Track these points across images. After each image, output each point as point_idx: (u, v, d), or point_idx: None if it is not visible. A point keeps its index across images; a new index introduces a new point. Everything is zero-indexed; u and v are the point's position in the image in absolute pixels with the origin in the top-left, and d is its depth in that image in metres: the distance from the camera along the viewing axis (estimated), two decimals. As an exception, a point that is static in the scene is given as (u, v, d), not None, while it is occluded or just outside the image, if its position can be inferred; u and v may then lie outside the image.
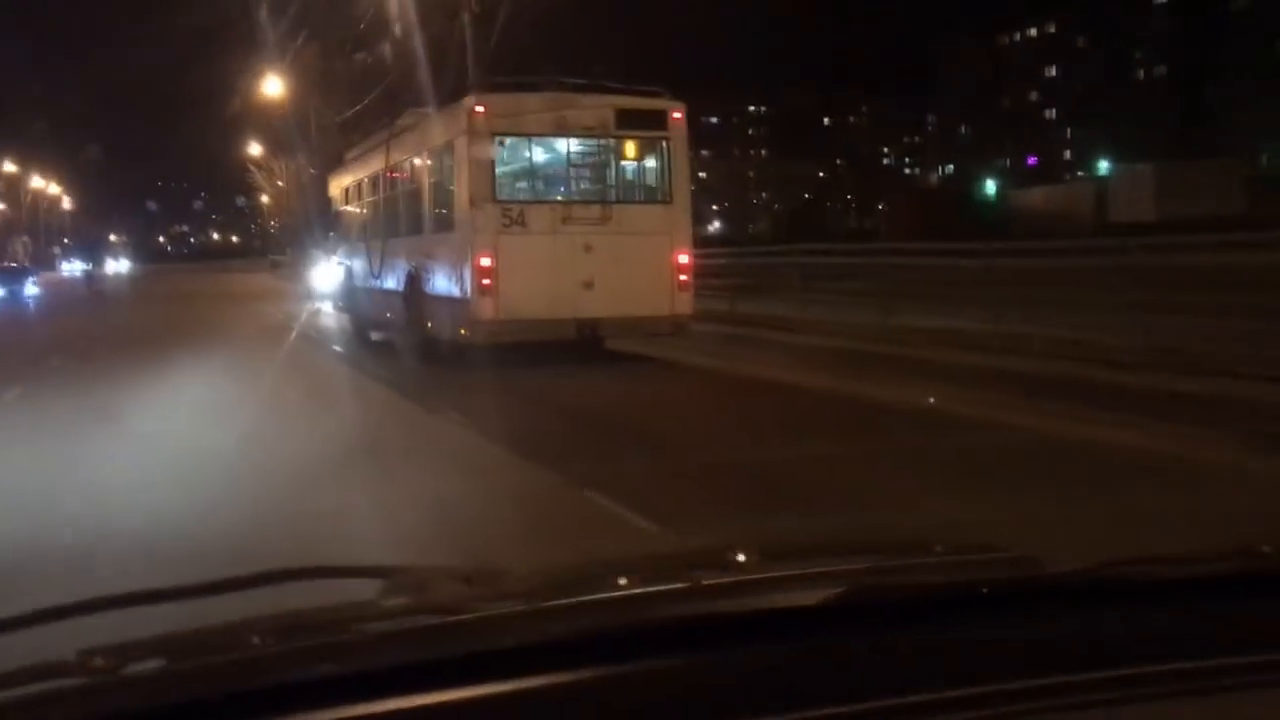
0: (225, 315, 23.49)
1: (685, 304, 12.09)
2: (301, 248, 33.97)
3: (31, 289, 40.63)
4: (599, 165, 12.14)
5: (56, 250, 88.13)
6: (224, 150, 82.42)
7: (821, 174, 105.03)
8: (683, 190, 12.19)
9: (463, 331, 11.76)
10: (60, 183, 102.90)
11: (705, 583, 1.25)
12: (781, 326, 14.98)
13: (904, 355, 11.70)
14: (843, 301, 15.76)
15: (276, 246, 67.17)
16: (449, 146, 12.13)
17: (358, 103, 23.55)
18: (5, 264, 49.66)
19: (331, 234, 19.80)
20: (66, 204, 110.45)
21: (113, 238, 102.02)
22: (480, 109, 11.39)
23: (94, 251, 60.71)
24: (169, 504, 5.50)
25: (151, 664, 1.05)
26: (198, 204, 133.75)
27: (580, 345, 12.09)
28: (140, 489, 6.04)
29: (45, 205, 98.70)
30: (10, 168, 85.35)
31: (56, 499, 5.81)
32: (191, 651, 1.11)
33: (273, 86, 32.54)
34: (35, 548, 4.71)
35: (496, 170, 11.61)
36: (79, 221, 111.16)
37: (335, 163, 22.51)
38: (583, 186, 12.20)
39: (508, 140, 11.82)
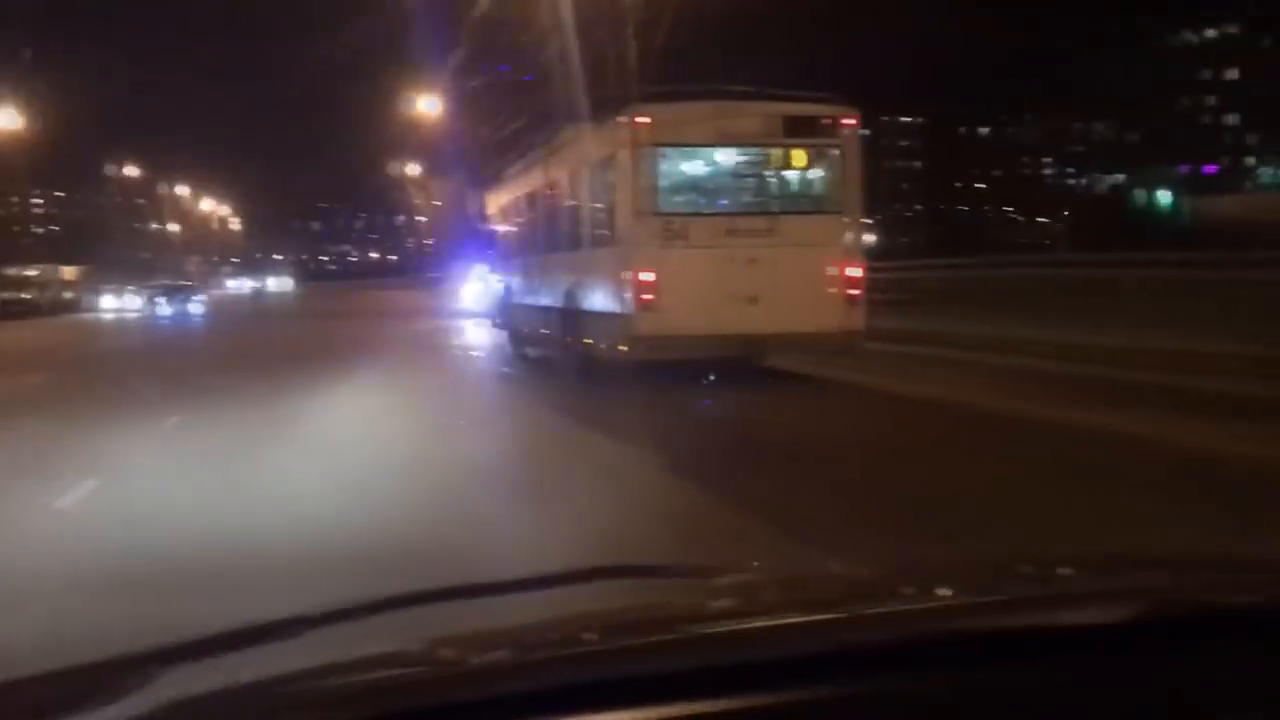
0: (383, 332, 23.95)
1: (856, 319, 11.50)
2: (455, 265, 34.60)
3: (197, 307, 41.22)
4: (765, 175, 11.69)
5: (226, 269, 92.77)
6: (383, 171, 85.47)
7: (979, 184, 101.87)
8: (855, 200, 11.61)
9: (622, 348, 11.45)
10: (229, 205, 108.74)
11: (1003, 598, 1.26)
12: (956, 343, 14.19)
13: (1113, 377, 10.79)
14: (1016, 316, 14.88)
15: (432, 264, 69.14)
16: (609, 159, 11.87)
17: (513, 120, 23.70)
18: (172, 281, 50.51)
19: (488, 251, 19.92)
20: (235, 225, 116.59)
21: (277, 257, 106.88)
22: (643, 120, 11.09)
23: (259, 270, 63.34)
24: (345, 513, 5.75)
25: (498, 655, 1.12)
26: (358, 223, 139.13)
27: (740, 362, 11.73)
28: (315, 498, 6.28)
29: (215, 226, 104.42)
30: (183, 191, 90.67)
31: (247, 508, 6.06)
32: (531, 645, 1.15)
33: (430, 106, 33.26)
34: (224, 553, 4.90)
35: (658, 183, 11.28)
36: (246, 241, 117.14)
37: (490, 180, 22.72)
38: (748, 198, 11.76)
39: (670, 151, 11.48)
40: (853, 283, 11.45)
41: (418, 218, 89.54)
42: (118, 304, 48.98)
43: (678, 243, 11.11)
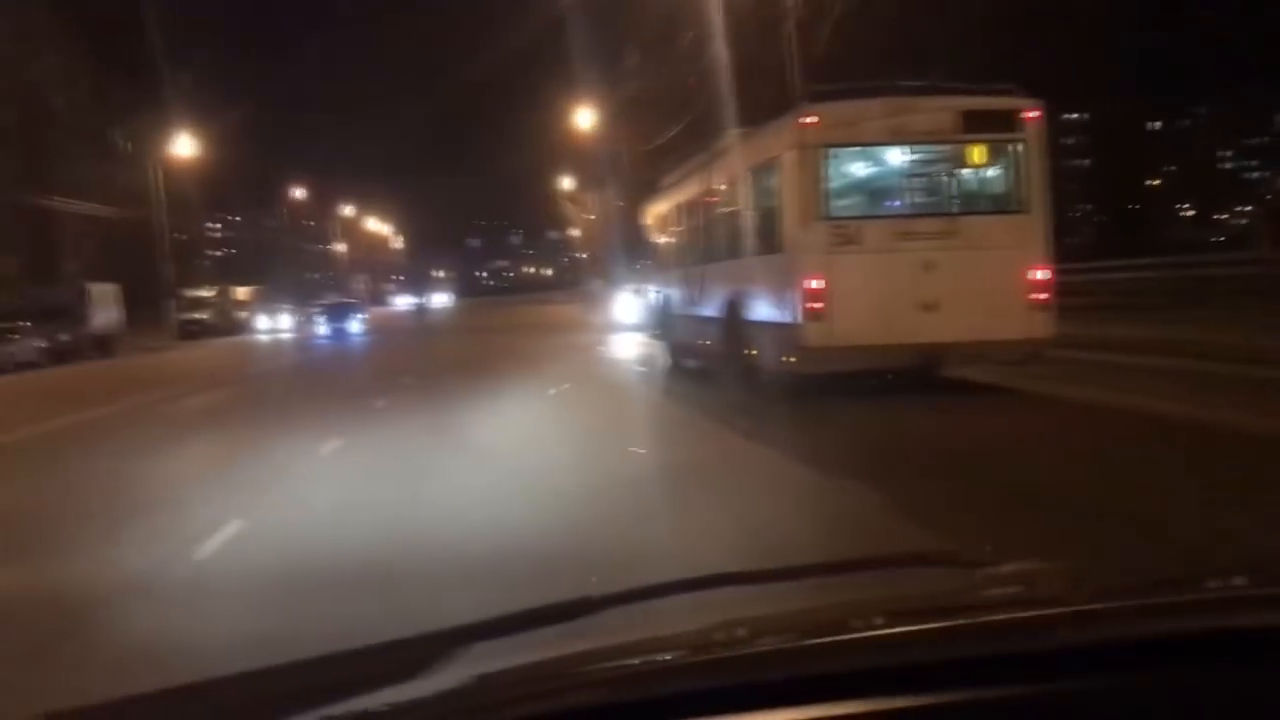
0: (541, 345, 24.01)
1: (1043, 326, 10.68)
2: (610, 278, 34.64)
3: (357, 325, 40.40)
4: (942, 174, 11.00)
5: (390, 286, 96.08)
6: (539, 187, 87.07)
7: (1150, 181, 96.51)
8: (1040, 198, 10.80)
9: (788, 359, 10.95)
10: (393, 224, 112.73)
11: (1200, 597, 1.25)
12: (1148, 349, 13.11)
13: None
14: (1218, 319, 13.67)
15: (586, 278, 69.84)
16: (775, 162, 11.40)
17: (670, 128, 23.46)
18: (336, 300, 49.75)
19: (646, 262, 19.70)
20: (398, 244, 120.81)
21: (438, 274, 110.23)
22: (811, 119, 10.58)
23: (422, 287, 64.98)
24: (516, 519, 6.08)
25: (787, 637, 1.17)
26: (514, 239, 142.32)
27: (914, 373, 11.10)
28: (488, 506, 6.63)
29: (380, 245, 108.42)
30: (350, 211, 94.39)
31: (435, 512, 6.59)
32: (825, 628, 1.17)
33: (584, 120, 33.43)
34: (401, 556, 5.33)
35: (828, 184, 10.75)
36: (409, 259, 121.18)
37: (645, 192, 22.54)
38: (924, 198, 11.09)
39: (840, 151, 10.93)
40: (1040, 286, 10.65)
41: (572, 232, 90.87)
42: (283, 323, 50.90)
43: (848, 247, 10.55)
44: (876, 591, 1.38)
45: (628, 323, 25.40)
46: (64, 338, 34.56)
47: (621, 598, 1.29)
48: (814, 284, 10.47)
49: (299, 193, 78.11)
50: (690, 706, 0.99)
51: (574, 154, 47.54)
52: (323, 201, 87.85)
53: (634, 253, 33.49)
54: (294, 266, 79.82)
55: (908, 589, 1.37)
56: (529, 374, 16.58)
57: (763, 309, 11.73)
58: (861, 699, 1.00)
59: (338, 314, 42.04)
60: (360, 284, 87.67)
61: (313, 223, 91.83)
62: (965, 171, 11.04)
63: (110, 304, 40.30)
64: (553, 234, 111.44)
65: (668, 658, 1.11)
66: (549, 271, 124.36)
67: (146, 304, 44.33)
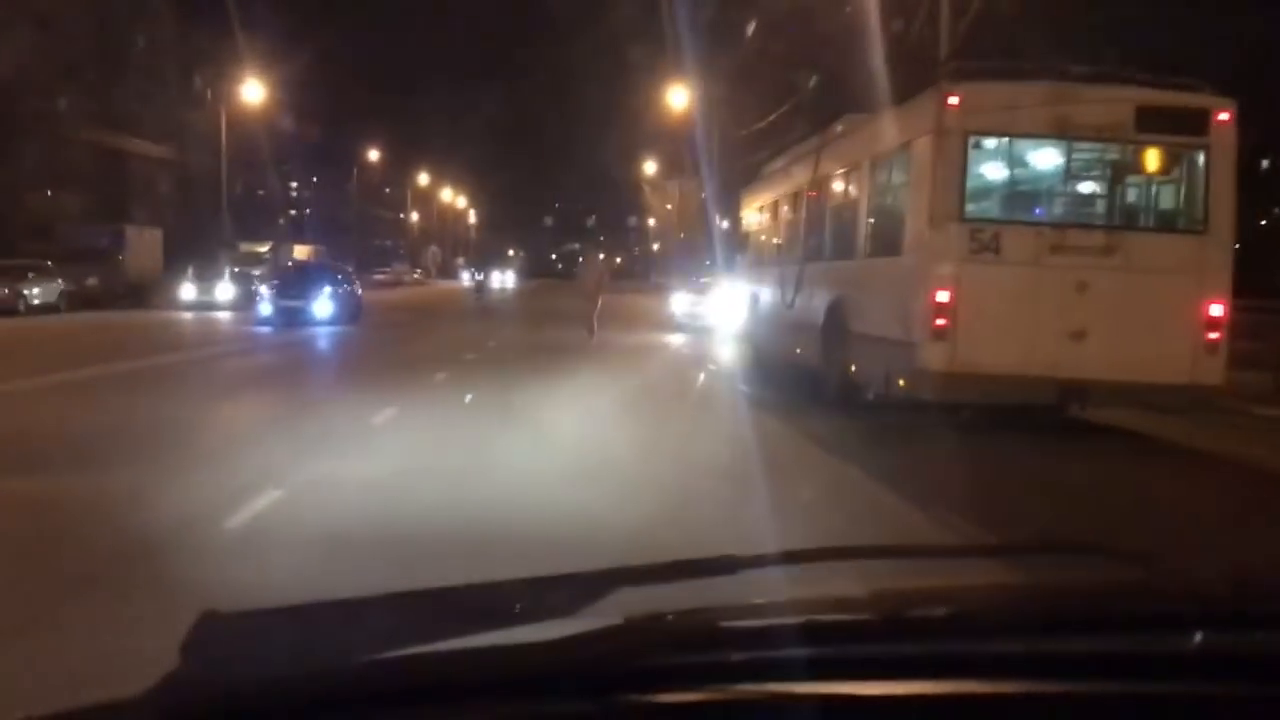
0: (607, 340, 22.68)
1: (1212, 371, 9.11)
2: (685, 272, 33.29)
3: (326, 307, 24.94)
4: (1107, 178, 9.43)
5: (460, 261, 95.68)
6: (620, 170, 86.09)
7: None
8: (1224, 217, 9.17)
9: (901, 383, 9.49)
10: (467, 197, 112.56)
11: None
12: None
13: None
14: None
15: (659, 269, 68.45)
16: (905, 150, 9.91)
17: (770, 114, 21.97)
18: (295, 262, 38.85)
19: (738, 257, 18.29)
20: (472, 218, 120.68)
21: (510, 252, 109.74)
22: (955, 100, 9.06)
23: (484, 265, 62.80)
24: (587, 500, 6.25)
25: (936, 610, 1.18)
26: (589, 222, 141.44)
27: (1047, 411, 9.61)
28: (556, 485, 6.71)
29: (453, 218, 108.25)
30: (424, 180, 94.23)
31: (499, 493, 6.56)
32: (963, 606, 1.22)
33: (677, 99, 32.03)
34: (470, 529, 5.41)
35: (967, 180, 9.23)
36: (481, 234, 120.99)
37: (735, 182, 21.15)
38: (1081, 207, 9.55)
39: (986, 142, 9.41)
40: (1214, 323, 9.07)
41: (650, 220, 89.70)
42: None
43: (985, 256, 9.05)
44: (1016, 576, 1.38)
45: (704, 322, 24.34)
46: (92, 282, 33.30)
47: (765, 560, 1.29)
48: (941, 296, 9.01)
49: (373, 155, 77.74)
50: (822, 669, 1.02)
51: (661, 137, 46.19)
52: (398, 168, 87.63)
53: (714, 247, 32.07)
54: (362, 231, 79.59)
55: (1045, 576, 1.39)
56: (591, 370, 15.22)
57: (873, 321, 10.29)
58: (993, 680, 1.02)
59: (296, 286, 25.73)
60: (429, 256, 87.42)
61: (388, 189, 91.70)
62: (1135, 178, 9.45)
63: (150, 251, 38.96)
64: (631, 221, 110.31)
65: (807, 619, 1.12)
66: (619, 259, 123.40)
67: (207, 256, 43.95)
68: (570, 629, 1.05)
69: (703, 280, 28.55)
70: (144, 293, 35.25)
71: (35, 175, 39.47)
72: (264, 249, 49.00)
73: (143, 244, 38.16)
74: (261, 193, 59.30)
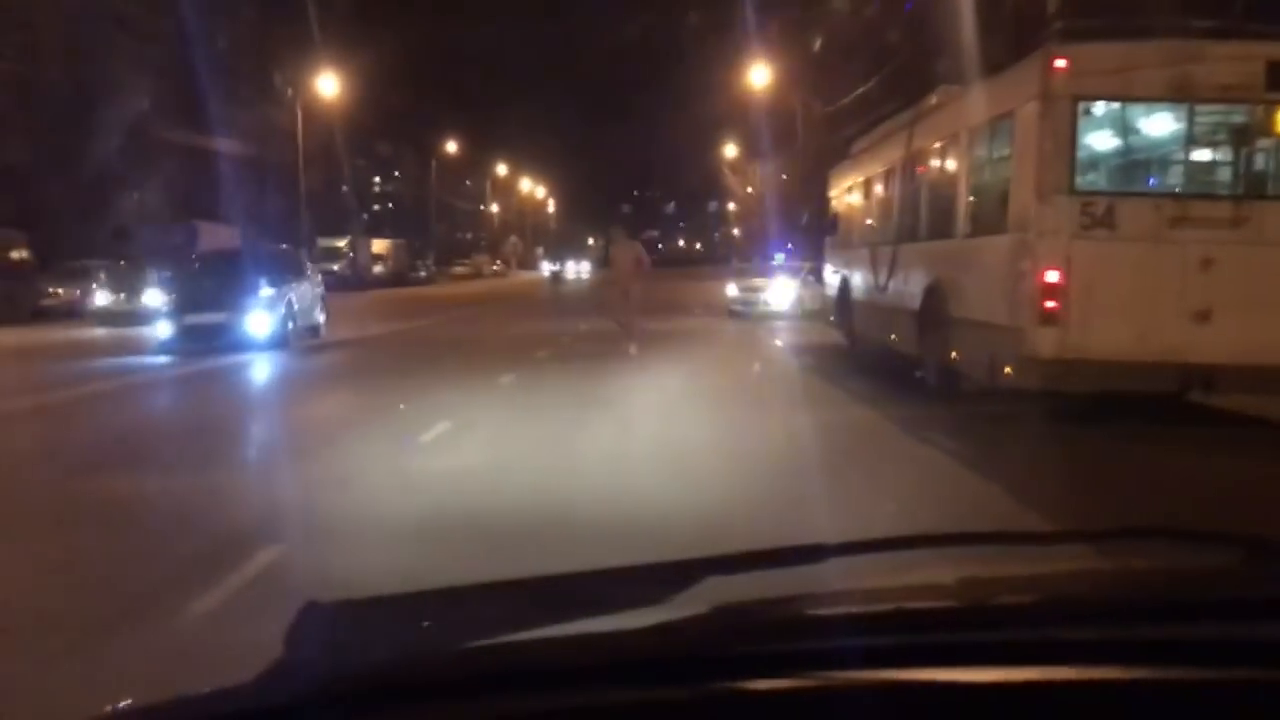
0: (688, 326, 22.27)
1: None
2: (766, 257, 32.72)
3: (260, 319, 16.45)
4: (1234, 144, 8.74)
5: (539, 250, 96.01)
6: (699, 154, 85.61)
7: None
8: (1369, 184, 8.44)
9: (1006, 370, 8.93)
10: (547, 187, 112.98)
11: None
12: None
13: None
14: None
15: (742, 253, 67.81)
16: (1007, 119, 9.31)
17: (856, 89, 21.31)
18: (218, 250, 25.52)
19: (827, 239, 17.73)
20: (551, 208, 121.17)
21: (590, 241, 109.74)
22: (1062, 63, 8.44)
23: (559, 256, 62.38)
24: (668, 486, 6.38)
25: (1025, 597, 1.22)
26: (669, 209, 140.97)
27: (1168, 399, 8.99)
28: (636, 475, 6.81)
29: (532, 208, 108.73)
30: (502, 170, 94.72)
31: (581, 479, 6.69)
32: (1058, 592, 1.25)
33: (759, 77, 31.39)
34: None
35: (1076, 149, 8.62)
36: (560, 224, 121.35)
37: (819, 163, 20.58)
38: (1205, 175, 8.87)
39: (1097, 108, 8.78)
40: None
41: (730, 205, 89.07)
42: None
43: (1099, 232, 8.44)
44: (1107, 563, 1.39)
45: (764, 308, 24.42)
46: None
47: (853, 547, 1.28)
48: (1050, 276, 8.45)
49: (452, 146, 78.18)
50: (911, 656, 1.03)
51: (742, 118, 45.53)
52: (477, 159, 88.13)
53: (798, 230, 31.41)
54: (442, 224, 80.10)
55: (1137, 562, 1.37)
56: (674, 359, 14.84)
57: (974, 303, 9.74)
58: (1083, 667, 1.02)
59: (212, 290, 16.89)
60: (509, 246, 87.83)
61: (468, 181, 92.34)
62: (1266, 142, 8.72)
63: (224, 247, 39.58)
64: (711, 205, 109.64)
65: (895, 606, 1.13)
66: (699, 245, 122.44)
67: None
68: (660, 617, 1.07)
69: (771, 263, 28.33)
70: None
71: (119, 176, 40.32)
72: (342, 244, 49.14)
73: (216, 241, 38.46)
74: (345, 189, 59.80)
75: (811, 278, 24.56)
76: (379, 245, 54.23)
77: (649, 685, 1.00)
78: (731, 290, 26.45)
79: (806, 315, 22.98)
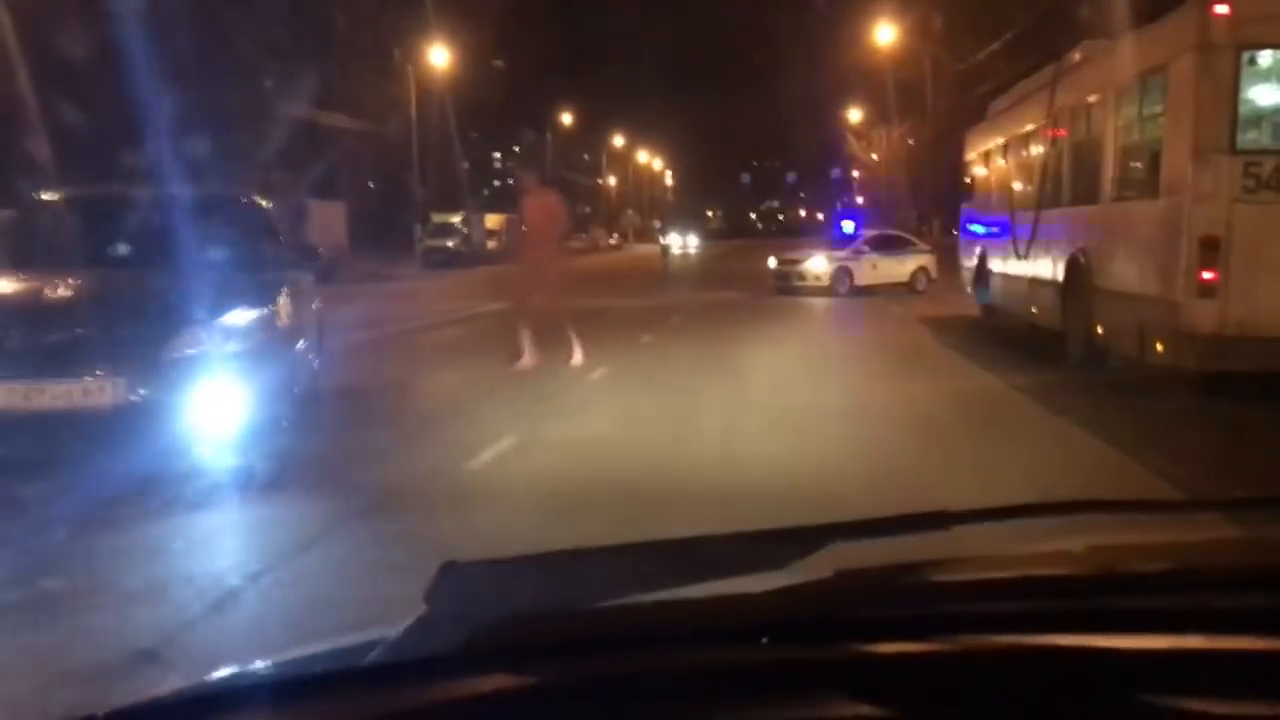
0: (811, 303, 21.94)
1: None
2: (898, 226, 31.95)
3: (211, 406, 6.03)
4: None
5: (657, 223, 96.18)
6: (820, 121, 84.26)
7: None
8: None
9: (1158, 347, 8.49)
10: (664, 159, 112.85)
11: None
12: None
13: None
14: None
15: (866, 222, 66.62)
16: (1159, 73, 8.81)
17: (988, 46, 20.58)
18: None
19: (963, 206, 17.22)
20: (669, 179, 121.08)
21: (710, 213, 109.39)
22: (1223, 9, 7.92)
23: (665, 229, 62.02)
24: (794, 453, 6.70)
25: (1155, 565, 1.21)
26: (789, 178, 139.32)
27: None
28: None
29: (649, 180, 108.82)
30: (619, 142, 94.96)
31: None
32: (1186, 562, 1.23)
33: (884, 35, 30.65)
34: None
35: (1238, 105, 8.08)
36: (677, 196, 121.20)
37: (953, 122, 19.94)
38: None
39: (1262, 57, 8.21)
40: None
41: (853, 172, 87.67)
42: None
43: (1264, 195, 7.92)
44: (1240, 532, 1.36)
45: (830, 284, 23.17)
46: None
47: (979, 514, 1.25)
48: (1208, 244, 7.95)
49: (568, 119, 78.67)
50: (1036, 623, 1.06)
51: (865, 79, 44.53)
52: (593, 132, 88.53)
53: (927, 198, 30.61)
54: (561, 198, 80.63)
55: (1272, 531, 1.31)
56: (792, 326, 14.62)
57: (1122, 274, 9.30)
58: (1213, 636, 1.04)
59: (64, 317, 6.15)
60: (626, 221, 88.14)
61: (586, 155, 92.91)
62: None
63: (333, 224, 38.25)
64: (833, 173, 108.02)
65: (1021, 573, 1.16)
66: (820, 215, 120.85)
67: (399, 230, 44.65)
68: (786, 580, 1.10)
69: (842, 233, 27.16)
70: (328, 269, 36.44)
71: (247, 157, 41.56)
72: (456, 219, 48.44)
73: (325, 218, 37.97)
74: (467, 166, 60.51)
75: (869, 249, 23.92)
76: (492, 220, 54.50)
77: (776, 646, 1.05)
78: (772, 263, 25.40)
79: (854, 291, 22.48)
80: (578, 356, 10.99)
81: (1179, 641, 1.04)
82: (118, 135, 34.34)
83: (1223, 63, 7.94)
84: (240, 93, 40.14)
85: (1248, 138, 8.15)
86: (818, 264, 23.92)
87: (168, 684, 1.07)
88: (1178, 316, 8.13)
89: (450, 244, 45.49)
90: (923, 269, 24.17)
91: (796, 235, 74.80)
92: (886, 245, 24.65)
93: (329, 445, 7.15)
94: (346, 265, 35.43)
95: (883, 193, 56.12)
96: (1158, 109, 8.90)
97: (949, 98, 27.01)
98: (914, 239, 26.58)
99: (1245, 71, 8.07)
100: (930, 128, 32.09)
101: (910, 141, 44.34)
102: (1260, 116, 8.38)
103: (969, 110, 19.23)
